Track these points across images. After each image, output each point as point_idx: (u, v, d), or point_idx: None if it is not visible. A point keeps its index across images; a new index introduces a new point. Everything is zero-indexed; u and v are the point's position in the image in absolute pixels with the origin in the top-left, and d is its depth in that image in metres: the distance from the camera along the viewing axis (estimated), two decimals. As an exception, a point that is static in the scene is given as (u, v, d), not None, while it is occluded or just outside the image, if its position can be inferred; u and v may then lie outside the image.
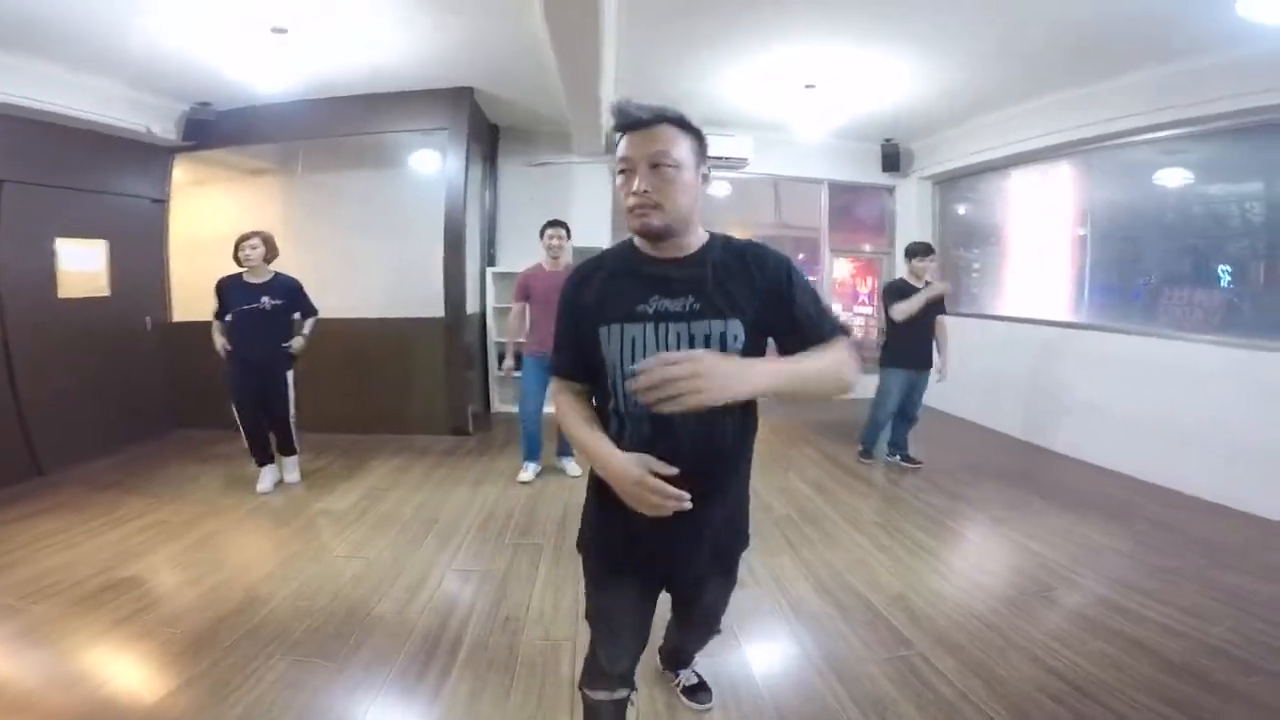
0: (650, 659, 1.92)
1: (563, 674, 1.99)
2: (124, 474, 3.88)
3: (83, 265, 4.18)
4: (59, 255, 4.00)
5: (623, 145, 1.12)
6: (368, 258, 5.00)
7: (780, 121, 5.18)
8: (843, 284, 6.93)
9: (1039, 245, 5.22)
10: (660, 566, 1.27)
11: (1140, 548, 2.92)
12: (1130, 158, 4.34)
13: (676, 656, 1.91)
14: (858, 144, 6.23)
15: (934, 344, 4.05)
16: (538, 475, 3.89)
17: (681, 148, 1.10)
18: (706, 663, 2.00)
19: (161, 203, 4.79)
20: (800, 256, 6.86)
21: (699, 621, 1.62)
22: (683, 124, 1.12)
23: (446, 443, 4.73)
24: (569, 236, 3.82)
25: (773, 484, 3.87)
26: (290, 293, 3.53)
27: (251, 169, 5.21)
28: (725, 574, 1.42)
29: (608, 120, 5.03)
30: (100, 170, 4.28)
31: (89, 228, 4.22)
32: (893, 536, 3.10)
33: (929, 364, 4.05)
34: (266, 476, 3.63)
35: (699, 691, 1.88)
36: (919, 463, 4.10)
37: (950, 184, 6.32)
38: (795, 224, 6.78)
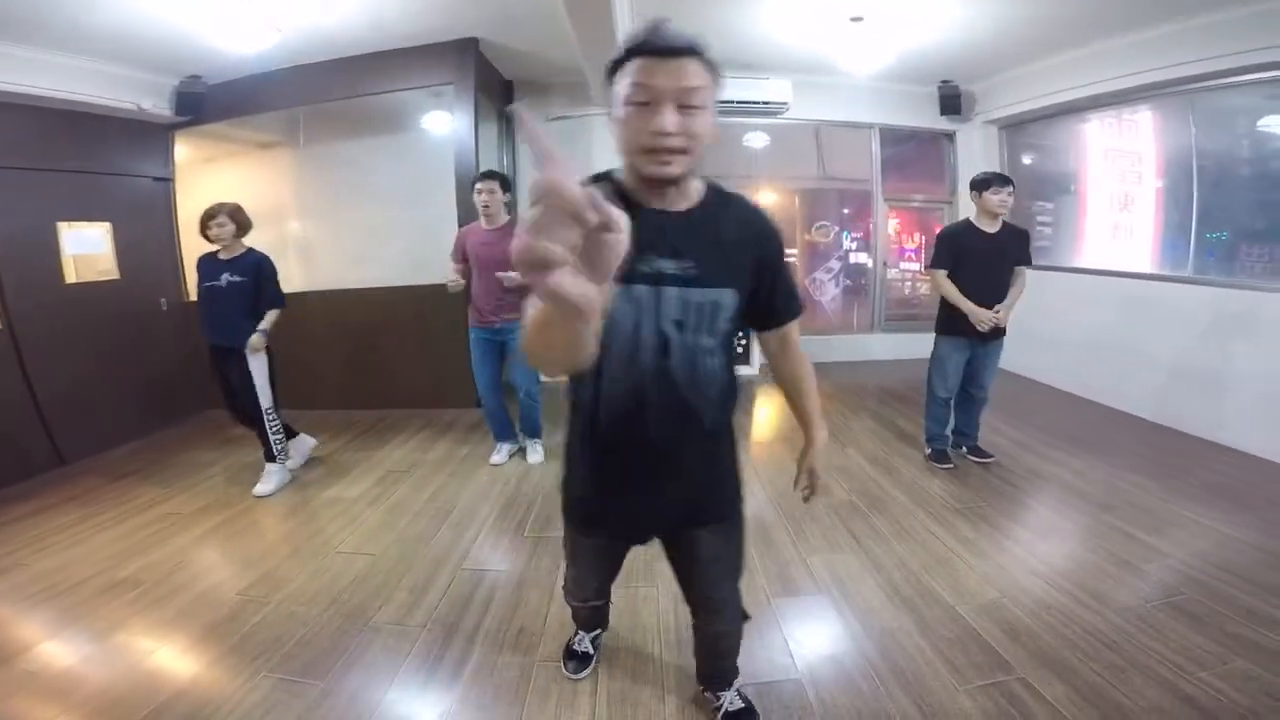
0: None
1: (581, 706, 1.69)
2: (144, 461, 3.75)
3: (88, 249, 4.01)
4: (62, 240, 3.83)
5: (644, 72, 0.95)
6: (384, 226, 4.71)
7: (823, 60, 4.61)
8: (890, 241, 6.28)
9: (1125, 194, 4.55)
10: (627, 522, 1.30)
11: (1281, 542, 2.39)
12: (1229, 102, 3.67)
13: (712, 670, 1.62)
14: (911, 86, 5.57)
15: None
16: (513, 455, 3.64)
17: (710, 89, 0.99)
18: (754, 687, 1.69)
19: (166, 181, 4.59)
20: (846, 211, 6.29)
21: (706, 588, 1.40)
22: (712, 63, 1.00)
23: (472, 416, 4.42)
24: (506, 190, 3.23)
25: (829, 462, 3.44)
26: (254, 269, 3.10)
27: (259, 142, 4.96)
28: (719, 533, 1.33)
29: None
30: (96, 152, 4.08)
31: (90, 210, 4.04)
32: (976, 527, 2.64)
33: (998, 330, 3.08)
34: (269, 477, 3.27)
35: (745, 719, 1.58)
36: (990, 456, 3.31)
37: (1018, 129, 5.61)
38: (841, 175, 6.18)
